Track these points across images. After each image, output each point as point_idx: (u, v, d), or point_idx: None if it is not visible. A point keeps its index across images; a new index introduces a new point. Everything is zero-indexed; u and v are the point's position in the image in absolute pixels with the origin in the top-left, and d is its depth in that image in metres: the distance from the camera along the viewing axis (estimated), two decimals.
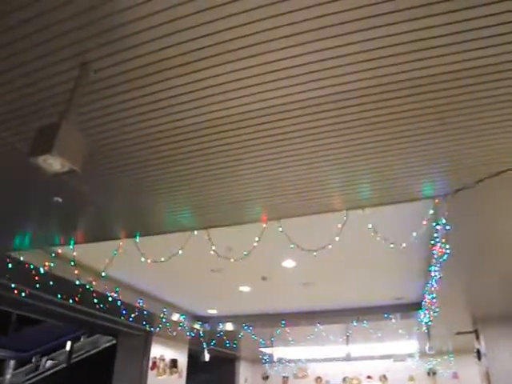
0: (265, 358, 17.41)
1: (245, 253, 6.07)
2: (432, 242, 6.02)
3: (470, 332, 10.90)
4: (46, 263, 6.78)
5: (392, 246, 5.75)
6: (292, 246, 5.66)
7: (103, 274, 7.27)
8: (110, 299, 8.78)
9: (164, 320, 10.80)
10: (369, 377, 17.27)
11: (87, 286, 7.57)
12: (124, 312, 9.74)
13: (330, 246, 5.70)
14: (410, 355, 16.06)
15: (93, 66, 2.90)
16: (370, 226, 5.33)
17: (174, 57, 2.83)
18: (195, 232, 5.63)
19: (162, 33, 2.65)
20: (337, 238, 5.47)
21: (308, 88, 3.09)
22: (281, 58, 2.82)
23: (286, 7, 2.46)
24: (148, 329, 11.50)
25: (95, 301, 8.79)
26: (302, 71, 2.94)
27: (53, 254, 6.78)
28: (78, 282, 7.21)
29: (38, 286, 7.43)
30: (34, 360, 18.55)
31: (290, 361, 18.10)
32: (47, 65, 2.92)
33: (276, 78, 3.00)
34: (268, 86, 3.08)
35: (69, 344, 18.28)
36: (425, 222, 5.34)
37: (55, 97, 3.21)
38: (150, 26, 2.60)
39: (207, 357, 13.13)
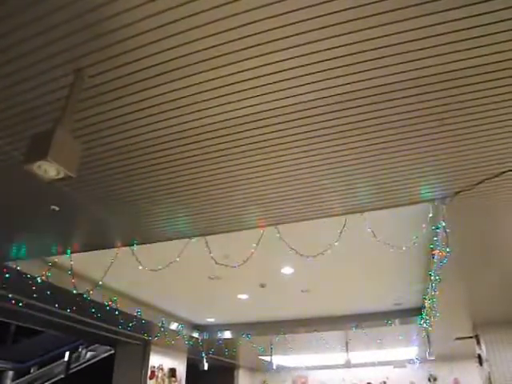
0: (264, 365, 17.28)
1: (243, 259, 6.03)
2: (432, 245, 6.00)
3: (470, 337, 10.85)
4: (43, 273, 6.73)
5: (392, 250, 5.72)
6: (290, 251, 5.62)
7: (100, 283, 7.22)
8: (108, 308, 8.72)
9: (162, 329, 10.74)
10: (369, 383, 17.18)
11: (84, 296, 7.50)
12: (122, 321, 9.67)
13: (328, 251, 5.67)
14: (411, 361, 16.00)
15: (87, 71, 2.88)
16: (369, 230, 5.31)
17: (168, 61, 2.80)
18: (193, 239, 5.58)
19: (156, 37, 2.63)
20: (336, 243, 5.44)
21: (304, 91, 3.07)
22: (275, 60, 2.81)
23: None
24: (146, 338, 11.43)
25: (93, 310, 8.74)
26: (297, 74, 2.92)
27: (50, 264, 6.73)
28: (75, 292, 7.15)
29: (35, 295, 7.38)
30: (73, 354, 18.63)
31: (289, 368, 18.00)
32: (41, 72, 2.89)
33: (280, 79, 2.98)
34: (272, 88, 3.06)
35: (67, 354, 18.17)
36: (424, 226, 5.32)
37: (50, 104, 3.18)
38: (143, 31, 2.58)
39: (206, 365, 13.06)
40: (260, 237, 5.33)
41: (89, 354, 18.34)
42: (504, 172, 3.99)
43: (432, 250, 6.14)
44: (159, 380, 12.05)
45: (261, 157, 3.83)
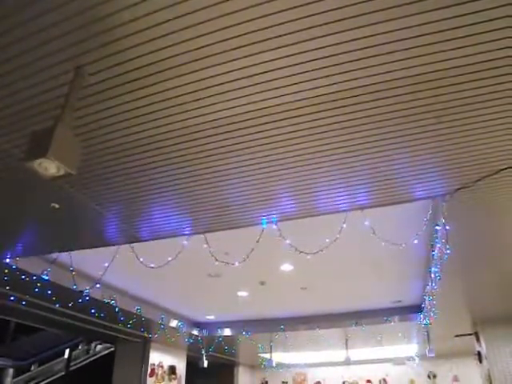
0: (264, 363, 17.30)
1: (243, 257, 6.03)
2: (432, 242, 6.00)
3: (470, 334, 10.87)
4: (43, 270, 6.73)
5: (391, 247, 5.71)
6: (290, 249, 5.62)
7: (100, 281, 7.22)
8: (108, 306, 8.72)
9: (162, 326, 10.75)
10: (368, 381, 17.19)
11: (85, 293, 7.51)
12: (122, 319, 9.67)
13: (328, 249, 5.66)
14: (410, 358, 16.02)
15: (87, 69, 2.88)
16: (368, 227, 5.30)
17: (164, 60, 2.83)
18: (192, 237, 5.59)
19: (152, 36, 2.65)
20: (335, 241, 5.44)
21: (290, 91, 3.10)
22: (278, 56, 2.82)
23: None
24: (146, 335, 11.44)
25: (93, 308, 8.75)
26: (284, 74, 2.95)
27: (50, 261, 6.73)
28: (75, 289, 7.15)
29: (35, 293, 7.38)
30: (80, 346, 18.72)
31: (289, 365, 18.02)
32: (41, 69, 2.92)
33: (267, 79, 3.00)
34: (260, 88, 3.08)
35: (67, 352, 18.20)
36: (424, 223, 5.32)
37: (49, 102, 3.20)
38: (143, 28, 2.59)
39: (205, 363, 13.07)
40: (260, 234, 5.33)
41: (98, 347, 18.45)
42: (503, 169, 3.99)
43: (432, 247, 6.15)
44: (159, 377, 12.07)
45: (248, 156, 3.86)
